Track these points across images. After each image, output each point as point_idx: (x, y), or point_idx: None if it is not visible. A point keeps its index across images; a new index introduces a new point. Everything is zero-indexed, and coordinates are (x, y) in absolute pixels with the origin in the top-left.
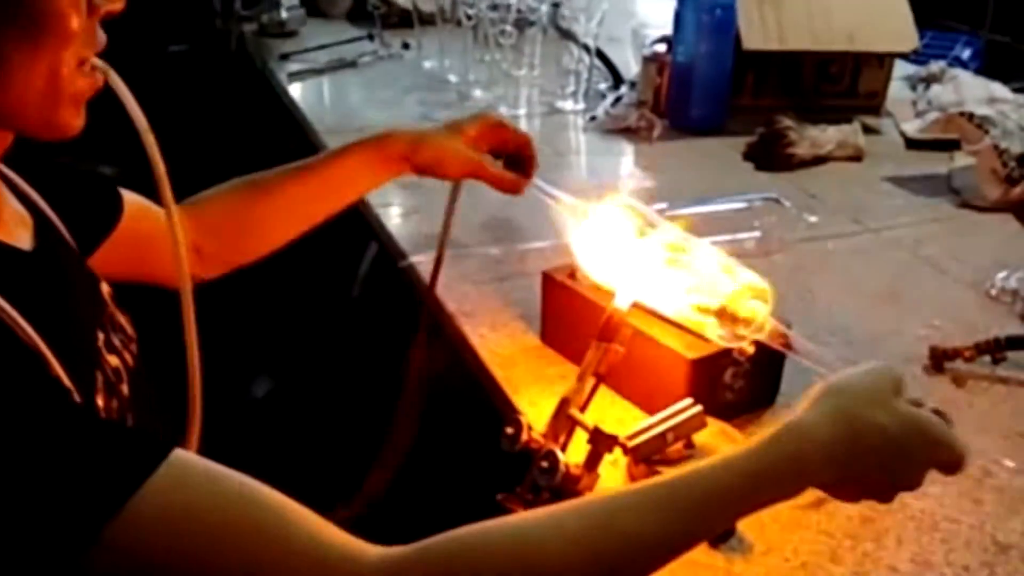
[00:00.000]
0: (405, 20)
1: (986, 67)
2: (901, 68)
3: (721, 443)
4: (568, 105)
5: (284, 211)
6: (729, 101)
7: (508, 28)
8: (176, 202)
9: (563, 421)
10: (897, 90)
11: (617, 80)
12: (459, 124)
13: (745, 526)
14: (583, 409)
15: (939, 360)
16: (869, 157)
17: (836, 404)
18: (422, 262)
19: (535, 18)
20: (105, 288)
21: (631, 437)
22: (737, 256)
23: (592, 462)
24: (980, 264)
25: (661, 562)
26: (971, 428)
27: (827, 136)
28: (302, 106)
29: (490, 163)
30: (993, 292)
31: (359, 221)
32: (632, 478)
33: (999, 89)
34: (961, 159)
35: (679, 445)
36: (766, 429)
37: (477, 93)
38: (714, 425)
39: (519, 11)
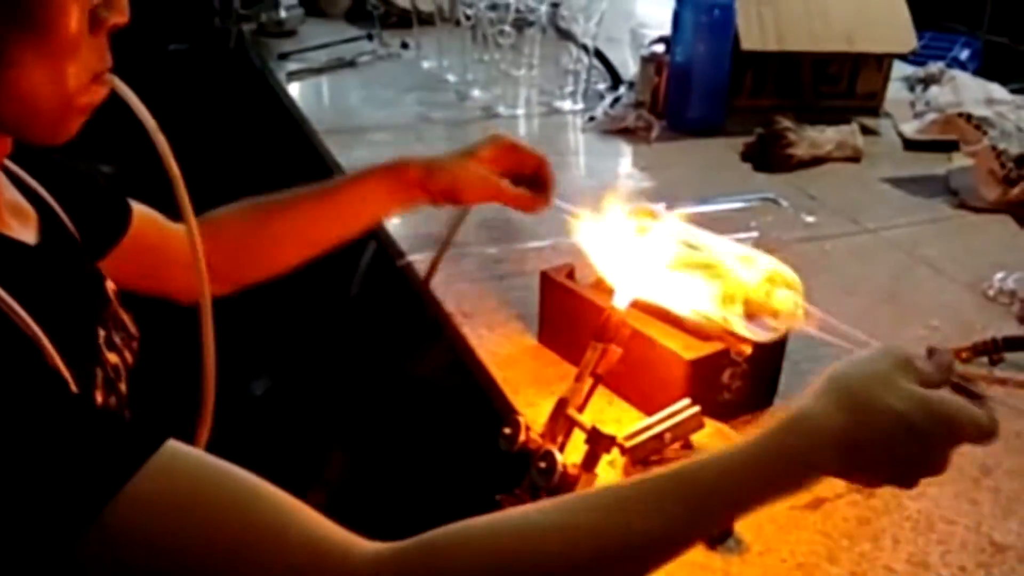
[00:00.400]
0: (404, 20)
1: (984, 68)
2: (899, 69)
3: (719, 444)
4: (567, 105)
5: (296, 234)
6: (727, 102)
7: (507, 28)
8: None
9: (561, 421)
10: (895, 91)
11: (616, 80)
12: (473, 148)
13: (742, 527)
14: (581, 409)
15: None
16: (867, 158)
17: (841, 391)
18: (420, 261)
19: (534, 18)
20: (110, 286)
21: (629, 437)
22: None
23: (590, 462)
24: (978, 265)
25: (666, 555)
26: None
27: (825, 137)
28: (301, 105)
29: (507, 185)
30: (991, 293)
31: None
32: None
33: (997, 90)
34: (959, 160)
35: (677, 445)
36: (770, 420)
37: (476, 93)
38: (712, 426)
39: (518, 11)
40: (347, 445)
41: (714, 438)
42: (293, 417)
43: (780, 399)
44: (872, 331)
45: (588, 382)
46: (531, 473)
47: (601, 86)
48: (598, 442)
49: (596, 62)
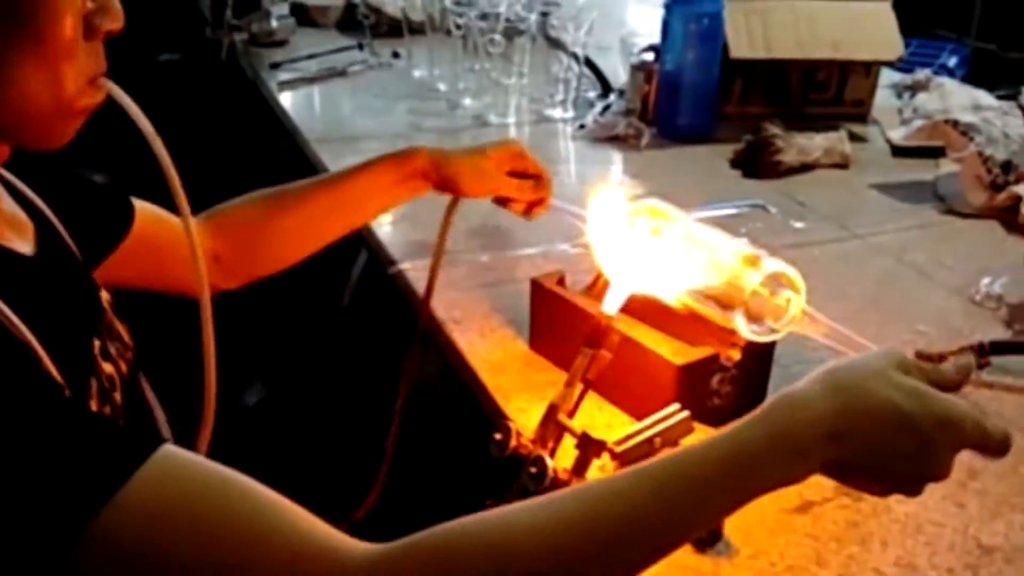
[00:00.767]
0: (395, 29)
1: (972, 75)
2: (887, 76)
3: None
4: (557, 113)
5: (304, 225)
6: (716, 109)
7: (497, 37)
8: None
9: (551, 427)
10: (883, 98)
11: (606, 88)
12: (482, 147)
13: (731, 530)
14: (571, 415)
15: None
16: (855, 164)
17: (835, 379)
18: (411, 269)
19: (524, 27)
20: (105, 296)
21: (619, 442)
22: None
23: (580, 467)
24: (965, 270)
25: (658, 547)
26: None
27: (814, 144)
28: (292, 115)
29: (508, 178)
30: (978, 298)
31: None
32: None
33: (984, 97)
34: (946, 166)
35: (667, 450)
36: (761, 405)
37: (467, 102)
38: (701, 431)
39: (508, 20)
40: (338, 451)
41: None
42: (286, 427)
43: None
44: (860, 336)
45: (578, 388)
46: (522, 478)
47: (591, 94)
48: (588, 447)
49: (586, 70)
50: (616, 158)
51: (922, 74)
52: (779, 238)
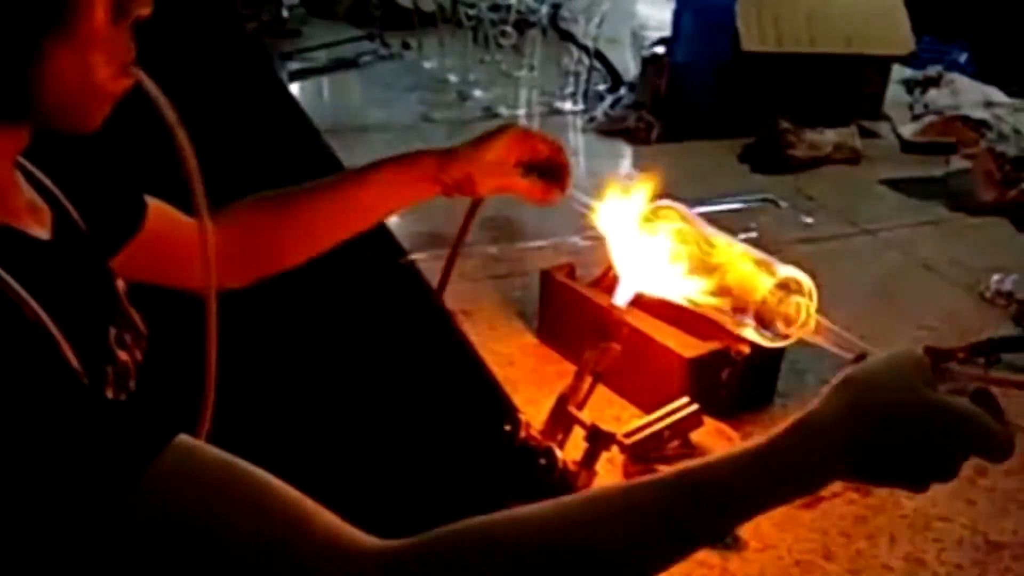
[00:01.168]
0: (405, 20)
1: (983, 71)
2: (898, 72)
3: (718, 441)
4: (567, 106)
5: (312, 227)
6: (727, 103)
7: (508, 29)
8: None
9: (561, 419)
10: (894, 93)
11: (616, 81)
12: (486, 139)
13: None
14: (581, 407)
15: (933, 361)
16: (866, 160)
17: (854, 394)
18: (421, 259)
19: (535, 19)
20: (120, 285)
21: (628, 435)
22: None
23: (590, 459)
24: (975, 266)
25: (670, 558)
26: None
27: (824, 138)
28: (302, 104)
29: (520, 176)
30: (987, 294)
31: None
32: (628, 475)
33: (995, 93)
34: (957, 162)
35: (676, 443)
36: (780, 424)
37: (477, 93)
38: (711, 424)
39: (519, 12)
40: (348, 443)
41: (713, 436)
42: (295, 417)
43: (779, 397)
44: (869, 332)
45: (588, 380)
46: (531, 470)
47: (601, 87)
48: (598, 439)
49: (597, 63)
50: (626, 151)
51: (933, 70)
52: (788, 233)
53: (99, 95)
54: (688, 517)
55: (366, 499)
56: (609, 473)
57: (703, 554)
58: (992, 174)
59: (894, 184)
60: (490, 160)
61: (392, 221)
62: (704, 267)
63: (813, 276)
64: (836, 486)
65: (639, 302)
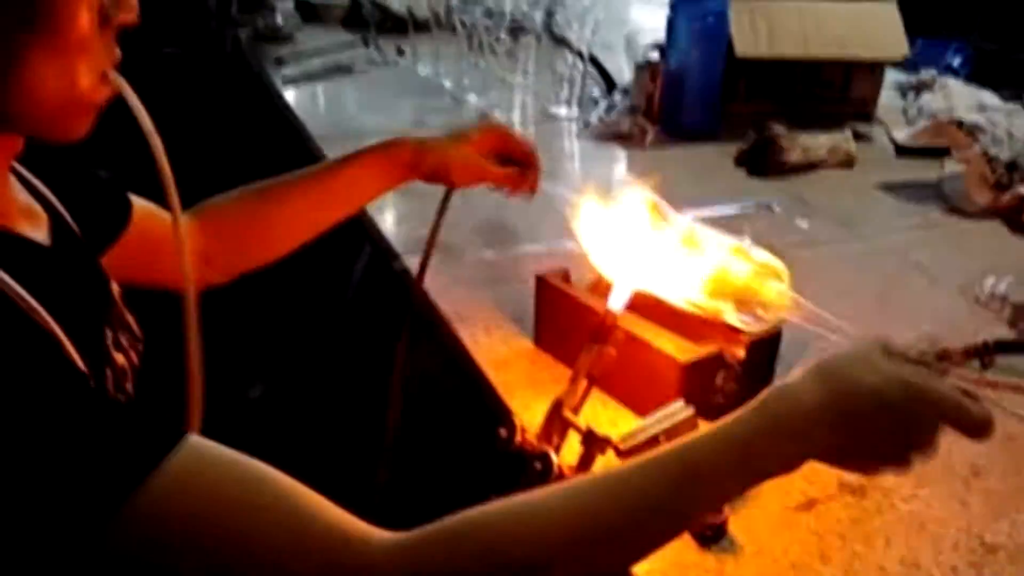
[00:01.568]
0: (400, 26)
1: (976, 75)
2: (892, 76)
3: None
4: (562, 111)
5: (292, 218)
6: (721, 107)
7: (502, 35)
8: (181, 207)
9: (556, 423)
10: (888, 97)
11: (610, 86)
12: (463, 131)
13: (736, 527)
14: (576, 411)
15: (928, 363)
16: (860, 164)
17: (822, 369)
18: (416, 264)
19: (529, 25)
20: (115, 288)
21: (624, 439)
22: None
23: (585, 463)
24: (969, 270)
25: (660, 536)
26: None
27: (818, 143)
28: (296, 110)
29: (494, 166)
30: (982, 298)
31: (353, 224)
32: None
33: (989, 97)
34: (951, 166)
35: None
36: (755, 398)
37: (471, 99)
38: (706, 427)
39: (513, 18)
40: (340, 445)
41: None
42: (288, 420)
43: None
44: (864, 335)
45: (583, 384)
46: (527, 474)
47: (596, 92)
48: (593, 443)
49: (591, 68)
50: (620, 156)
51: (927, 74)
52: (783, 237)
53: (82, 103)
54: (673, 501)
55: (362, 504)
56: None
57: (698, 557)
58: (986, 178)
59: (888, 188)
60: (465, 153)
61: (386, 227)
62: (682, 257)
63: (808, 280)
64: (831, 489)
65: (634, 305)
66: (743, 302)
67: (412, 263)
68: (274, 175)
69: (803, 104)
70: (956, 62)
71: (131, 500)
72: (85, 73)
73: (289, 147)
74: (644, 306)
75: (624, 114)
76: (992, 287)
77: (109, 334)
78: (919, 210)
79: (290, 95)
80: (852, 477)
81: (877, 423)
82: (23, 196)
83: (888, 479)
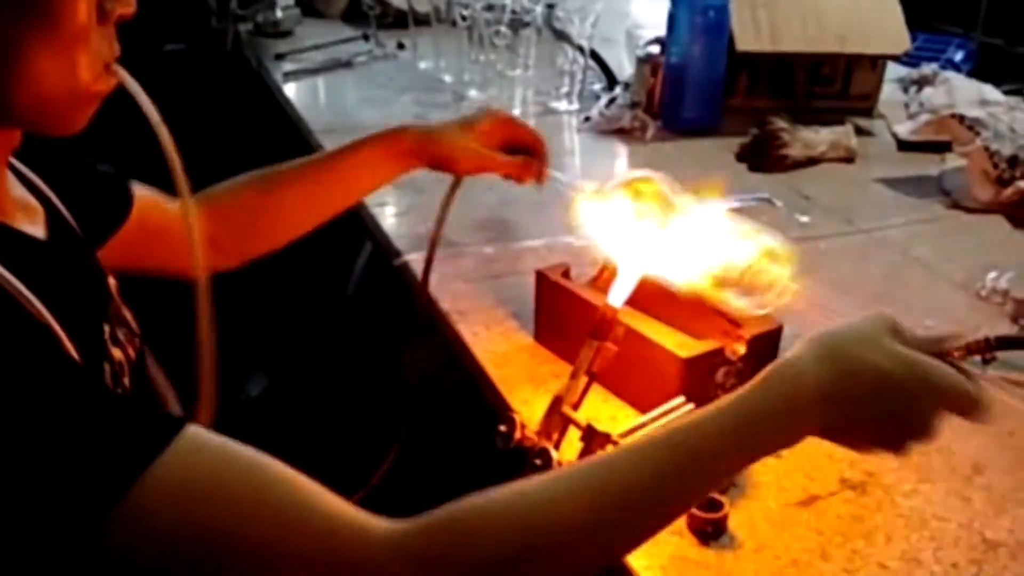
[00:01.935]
0: (400, 20)
1: (978, 69)
2: (893, 70)
3: None
4: (562, 106)
5: (298, 204)
6: (722, 102)
7: (503, 29)
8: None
9: (556, 419)
10: (889, 92)
11: (611, 81)
12: (470, 120)
13: (736, 523)
14: (576, 407)
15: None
16: (861, 158)
17: (826, 345)
18: (417, 260)
19: (530, 19)
20: (112, 282)
21: (623, 435)
22: None
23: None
24: (971, 265)
25: (664, 515)
26: (960, 427)
27: (819, 137)
28: (297, 105)
29: (499, 154)
30: (983, 293)
31: (354, 220)
32: None
33: (990, 91)
34: (952, 161)
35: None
36: (756, 377)
37: (472, 93)
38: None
39: (514, 12)
40: (342, 441)
41: None
42: (289, 417)
43: None
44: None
45: (583, 380)
46: (526, 470)
47: (597, 86)
48: (593, 439)
49: (592, 63)
50: (621, 151)
51: (928, 68)
52: (784, 232)
53: (83, 96)
54: (675, 481)
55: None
56: None
57: (699, 554)
58: (987, 172)
59: (890, 183)
60: (470, 142)
61: (387, 222)
62: (684, 240)
63: (809, 275)
64: (832, 486)
65: (634, 300)
66: (747, 287)
67: (413, 258)
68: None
69: (804, 99)
70: (958, 57)
71: (129, 490)
72: (85, 66)
73: (290, 142)
74: (645, 301)
75: (625, 108)
76: (993, 282)
77: (106, 329)
78: (920, 205)
79: (290, 90)
80: (853, 473)
81: (878, 404)
82: (19, 191)
83: (889, 476)
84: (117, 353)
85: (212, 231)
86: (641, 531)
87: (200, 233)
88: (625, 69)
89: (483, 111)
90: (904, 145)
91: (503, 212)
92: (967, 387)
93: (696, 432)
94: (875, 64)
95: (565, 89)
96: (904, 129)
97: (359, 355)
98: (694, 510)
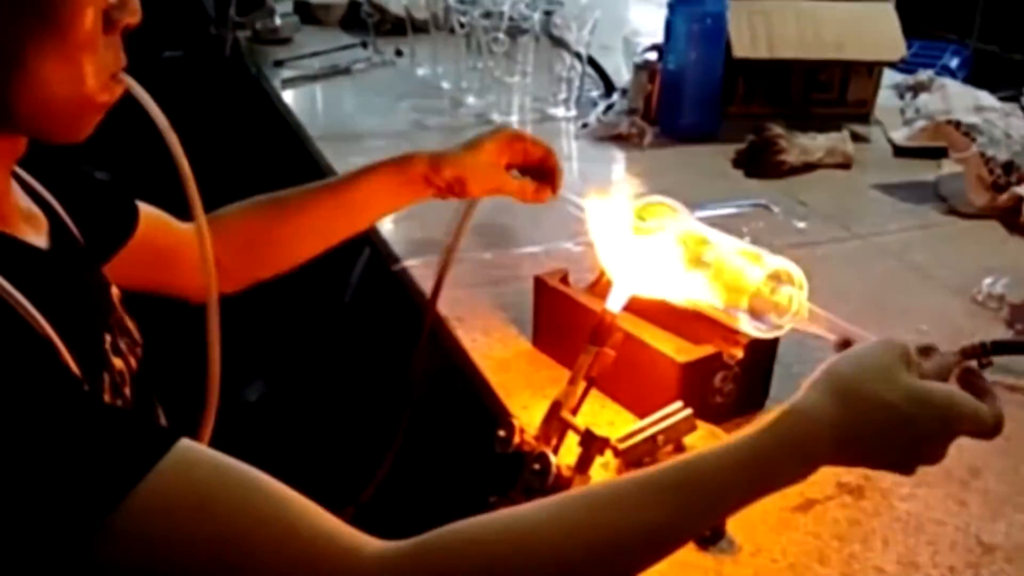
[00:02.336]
0: (398, 27)
1: (973, 76)
2: (889, 77)
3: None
4: (560, 112)
5: (305, 230)
6: (719, 109)
7: (501, 36)
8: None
9: (555, 424)
10: (885, 98)
11: (609, 87)
12: (478, 141)
13: (734, 527)
14: (575, 412)
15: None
16: (858, 164)
17: (836, 383)
18: (414, 266)
19: (527, 26)
20: (115, 292)
21: (622, 440)
22: None
23: (583, 464)
24: (967, 270)
25: (661, 550)
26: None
27: (816, 144)
28: (295, 112)
29: (511, 176)
30: (979, 298)
31: None
32: None
33: (986, 98)
34: (948, 167)
35: (669, 448)
36: (766, 415)
37: (470, 100)
38: (704, 428)
39: (512, 19)
40: (339, 447)
41: (706, 440)
42: (287, 423)
43: (772, 401)
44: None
45: (582, 385)
46: (525, 475)
47: (594, 93)
48: (592, 444)
49: (589, 69)
50: (619, 157)
51: (924, 75)
52: (781, 238)
53: (89, 104)
54: (676, 515)
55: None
56: (603, 478)
57: (696, 558)
58: (983, 178)
59: (886, 188)
60: (481, 162)
61: (385, 228)
62: (696, 261)
63: (806, 281)
64: (829, 490)
65: (633, 306)
66: (757, 308)
67: (411, 264)
68: (274, 176)
69: (801, 105)
70: (953, 63)
71: (120, 504)
72: (92, 74)
73: (288, 149)
74: (643, 307)
75: (622, 115)
76: (990, 287)
77: (108, 338)
78: (917, 211)
79: (289, 97)
80: (850, 478)
81: (892, 442)
82: (23, 200)
83: (886, 480)
84: (118, 363)
85: (219, 254)
86: (636, 567)
87: (210, 250)
88: (623, 76)
89: (490, 130)
90: (900, 151)
91: (502, 218)
92: (983, 415)
93: (699, 472)
94: (871, 71)
95: (563, 96)
96: (900, 135)
97: (357, 361)
98: None
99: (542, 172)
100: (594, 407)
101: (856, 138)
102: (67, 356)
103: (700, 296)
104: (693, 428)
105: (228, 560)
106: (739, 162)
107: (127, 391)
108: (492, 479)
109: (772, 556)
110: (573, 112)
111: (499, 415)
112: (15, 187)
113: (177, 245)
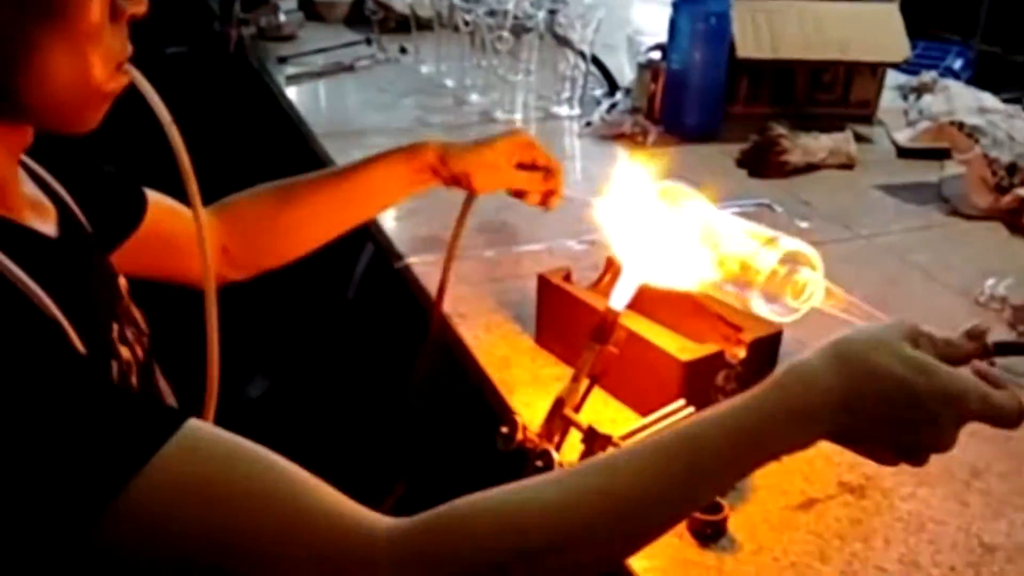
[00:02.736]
0: (402, 25)
1: (977, 77)
2: (893, 78)
3: None
4: (564, 111)
5: (313, 217)
6: (723, 108)
7: (505, 34)
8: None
9: (558, 421)
10: (889, 99)
11: (612, 86)
12: (490, 139)
13: (735, 526)
14: (577, 409)
15: None
16: (861, 165)
17: (842, 350)
18: (418, 263)
19: (532, 24)
20: (122, 282)
21: (624, 437)
22: None
23: None
24: (969, 271)
25: (672, 518)
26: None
27: (819, 144)
28: (299, 109)
29: (517, 172)
30: (982, 299)
31: None
32: None
33: (989, 99)
34: (951, 168)
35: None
36: (769, 376)
37: (473, 98)
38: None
39: (516, 17)
40: (342, 444)
41: None
42: (290, 419)
43: None
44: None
45: (584, 383)
46: (528, 472)
47: (598, 92)
48: (594, 441)
49: (593, 68)
50: (622, 156)
51: (928, 76)
52: None
53: (95, 94)
54: (681, 485)
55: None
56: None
57: (698, 556)
58: (986, 180)
59: (889, 189)
60: (488, 160)
61: (388, 225)
62: (711, 243)
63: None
64: (831, 489)
65: (636, 304)
66: (772, 292)
67: (414, 261)
68: (278, 173)
69: (804, 105)
70: (957, 64)
71: (128, 484)
72: (98, 64)
73: (292, 145)
74: (646, 305)
75: (626, 114)
76: (992, 289)
77: (115, 328)
78: (919, 211)
79: (293, 93)
80: (852, 477)
81: (893, 409)
82: (31, 189)
83: (887, 479)
84: (125, 352)
85: (227, 241)
86: (643, 536)
87: (211, 242)
88: (626, 75)
89: (506, 130)
90: (903, 152)
91: (504, 216)
92: (996, 400)
93: (702, 436)
94: (875, 71)
95: (566, 94)
96: (903, 136)
97: (359, 358)
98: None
99: (545, 176)
100: (597, 405)
101: (859, 139)
102: (77, 341)
103: (713, 278)
104: None
105: (239, 537)
106: (742, 162)
107: (134, 380)
108: (494, 476)
109: (773, 555)
110: (577, 111)
111: (502, 412)
112: (23, 176)
113: (184, 232)
